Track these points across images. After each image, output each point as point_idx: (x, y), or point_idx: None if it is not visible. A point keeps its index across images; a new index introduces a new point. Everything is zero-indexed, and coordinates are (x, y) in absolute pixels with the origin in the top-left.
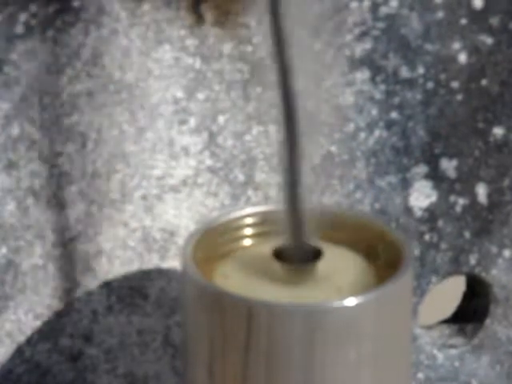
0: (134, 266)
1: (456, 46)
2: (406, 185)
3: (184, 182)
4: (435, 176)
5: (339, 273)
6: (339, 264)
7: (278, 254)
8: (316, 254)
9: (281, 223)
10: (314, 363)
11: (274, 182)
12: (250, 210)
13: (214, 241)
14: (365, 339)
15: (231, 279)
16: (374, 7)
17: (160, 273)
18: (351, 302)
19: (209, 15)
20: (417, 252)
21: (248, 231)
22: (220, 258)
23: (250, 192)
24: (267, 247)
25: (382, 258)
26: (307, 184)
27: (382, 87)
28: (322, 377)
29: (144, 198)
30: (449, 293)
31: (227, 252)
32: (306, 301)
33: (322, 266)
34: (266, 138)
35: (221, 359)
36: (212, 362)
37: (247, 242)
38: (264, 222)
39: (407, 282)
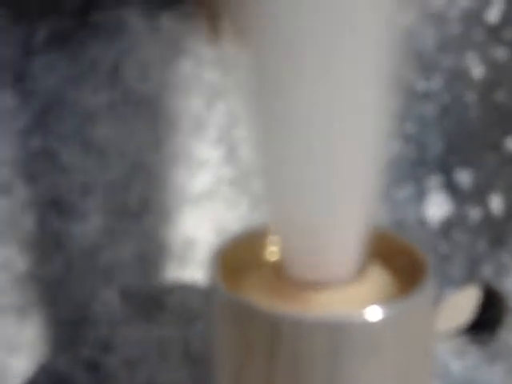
0: (153, 277)
1: (471, 59)
2: (421, 196)
3: (203, 194)
4: (450, 187)
5: (362, 285)
6: (361, 277)
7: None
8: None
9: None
10: (338, 375)
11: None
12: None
13: (239, 254)
14: (389, 352)
15: (256, 292)
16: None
17: (179, 283)
18: (376, 314)
19: (227, 27)
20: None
21: (273, 244)
22: (245, 271)
23: None
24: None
25: (401, 270)
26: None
27: (398, 100)
28: None
29: (163, 209)
30: (463, 303)
31: (252, 265)
32: (330, 314)
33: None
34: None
35: (247, 371)
36: (238, 374)
37: (272, 255)
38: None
39: (430, 294)
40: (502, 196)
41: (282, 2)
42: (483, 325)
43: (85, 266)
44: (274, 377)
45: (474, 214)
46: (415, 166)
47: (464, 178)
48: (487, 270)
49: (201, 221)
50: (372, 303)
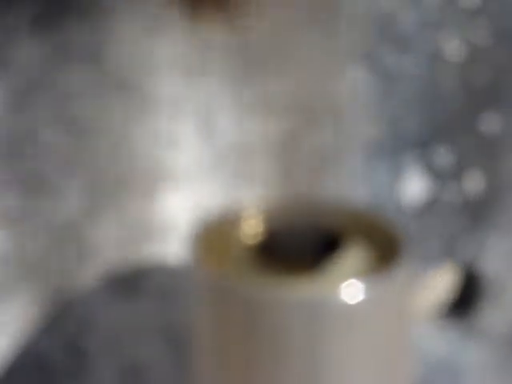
0: (134, 256)
1: (449, 40)
2: (399, 174)
3: (182, 173)
4: (429, 166)
5: (340, 264)
6: (339, 255)
7: (282, 245)
8: (319, 247)
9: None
10: (317, 353)
11: (273, 173)
12: (255, 201)
13: (219, 235)
14: (367, 329)
15: (236, 272)
16: (372, 1)
17: (159, 263)
18: (352, 292)
19: (206, 5)
20: (410, 241)
21: (253, 223)
22: (225, 252)
23: (248, 183)
24: (272, 239)
25: (379, 249)
26: (303, 176)
27: (377, 79)
28: (323, 365)
29: (143, 188)
30: (441, 283)
31: (232, 246)
32: (308, 292)
33: (323, 257)
34: (265, 130)
35: (227, 350)
36: (218, 352)
37: (253, 234)
38: (269, 215)
39: (406, 272)
40: (481, 175)
41: None
42: (461, 304)
43: (66, 245)
44: (253, 355)
45: (453, 193)
46: (394, 145)
47: (442, 157)
48: (466, 249)
49: (180, 200)
50: (349, 282)
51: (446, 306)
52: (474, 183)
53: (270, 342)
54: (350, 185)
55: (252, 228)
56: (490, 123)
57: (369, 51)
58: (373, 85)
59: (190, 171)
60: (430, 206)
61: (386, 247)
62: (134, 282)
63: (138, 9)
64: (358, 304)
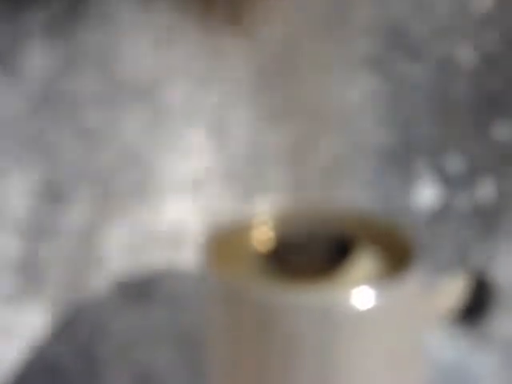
0: (145, 263)
1: (461, 45)
2: (411, 181)
3: (194, 180)
4: (441, 173)
5: (351, 270)
6: (351, 262)
7: (293, 252)
8: (330, 253)
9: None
10: (327, 359)
11: (284, 180)
12: (266, 209)
13: (229, 241)
14: (378, 335)
15: (246, 278)
16: (382, 7)
17: (170, 269)
18: (363, 299)
19: (220, 13)
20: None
21: (265, 230)
22: (236, 258)
23: (260, 190)
24: (283, 246)
25: (390, 256)
26: (315, 183)
27: (389, 85)
28: (334, 371)
29: (154, 195)
30: (453, 290)
31: (243, 252)
32: (319, 298)
33: (335, 263)
34: (277, 137)
35: (239, 355)
36: (230, 356)
37: (264, 241)
38: (280, 222)
39: (417, 279)
40: (493, 182)
41: None
42: (473, 311)
43: (78, 252)
44: (265, 360)
45: (465, 200)
46: (405, 152)
47: (454, 164)
48: (478, 256)
49: (192, 207)
50: (360, 288)
51: (457, 312)
52: (485, 190)
53: (282, 347)
54: (362, 191)
55: (264, 235)
56: (502, 130)
57: (381, 58)
58: (385, 92)
59: (202, 178)
60: (442, 213)
61: (397, 254)
62: (145, 289)
63: (150, 16)
64: (369, 310)
